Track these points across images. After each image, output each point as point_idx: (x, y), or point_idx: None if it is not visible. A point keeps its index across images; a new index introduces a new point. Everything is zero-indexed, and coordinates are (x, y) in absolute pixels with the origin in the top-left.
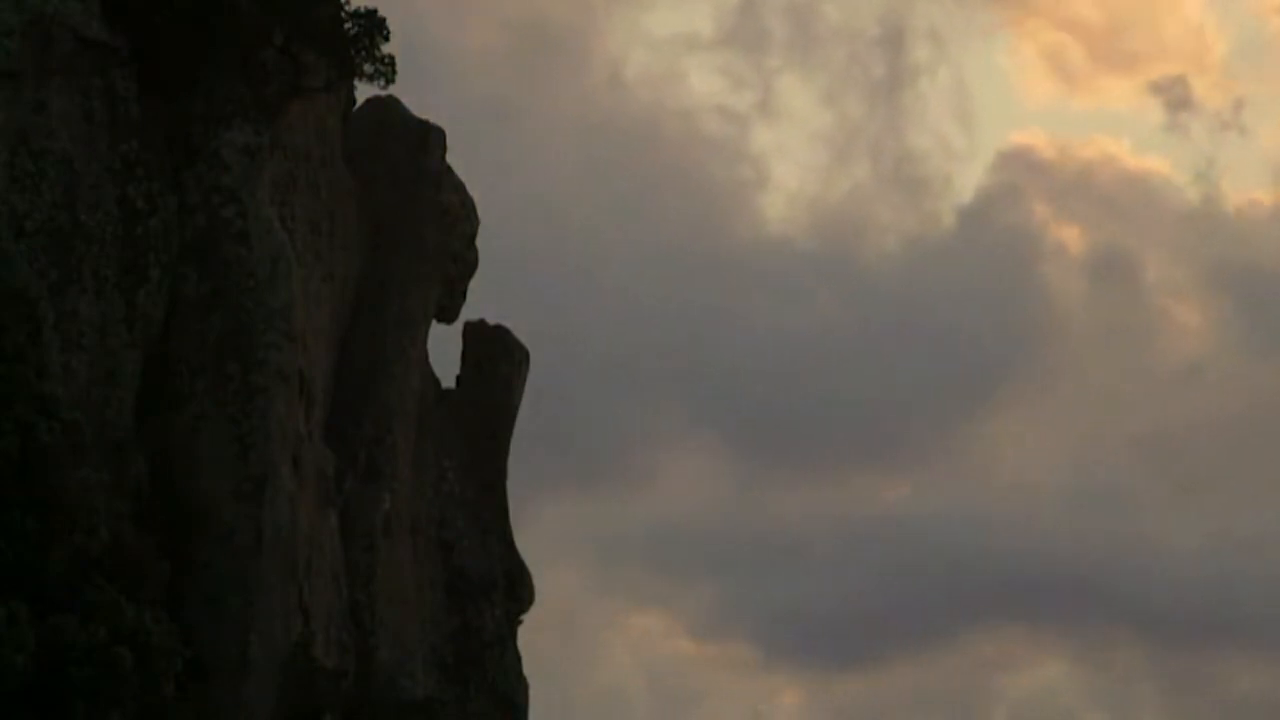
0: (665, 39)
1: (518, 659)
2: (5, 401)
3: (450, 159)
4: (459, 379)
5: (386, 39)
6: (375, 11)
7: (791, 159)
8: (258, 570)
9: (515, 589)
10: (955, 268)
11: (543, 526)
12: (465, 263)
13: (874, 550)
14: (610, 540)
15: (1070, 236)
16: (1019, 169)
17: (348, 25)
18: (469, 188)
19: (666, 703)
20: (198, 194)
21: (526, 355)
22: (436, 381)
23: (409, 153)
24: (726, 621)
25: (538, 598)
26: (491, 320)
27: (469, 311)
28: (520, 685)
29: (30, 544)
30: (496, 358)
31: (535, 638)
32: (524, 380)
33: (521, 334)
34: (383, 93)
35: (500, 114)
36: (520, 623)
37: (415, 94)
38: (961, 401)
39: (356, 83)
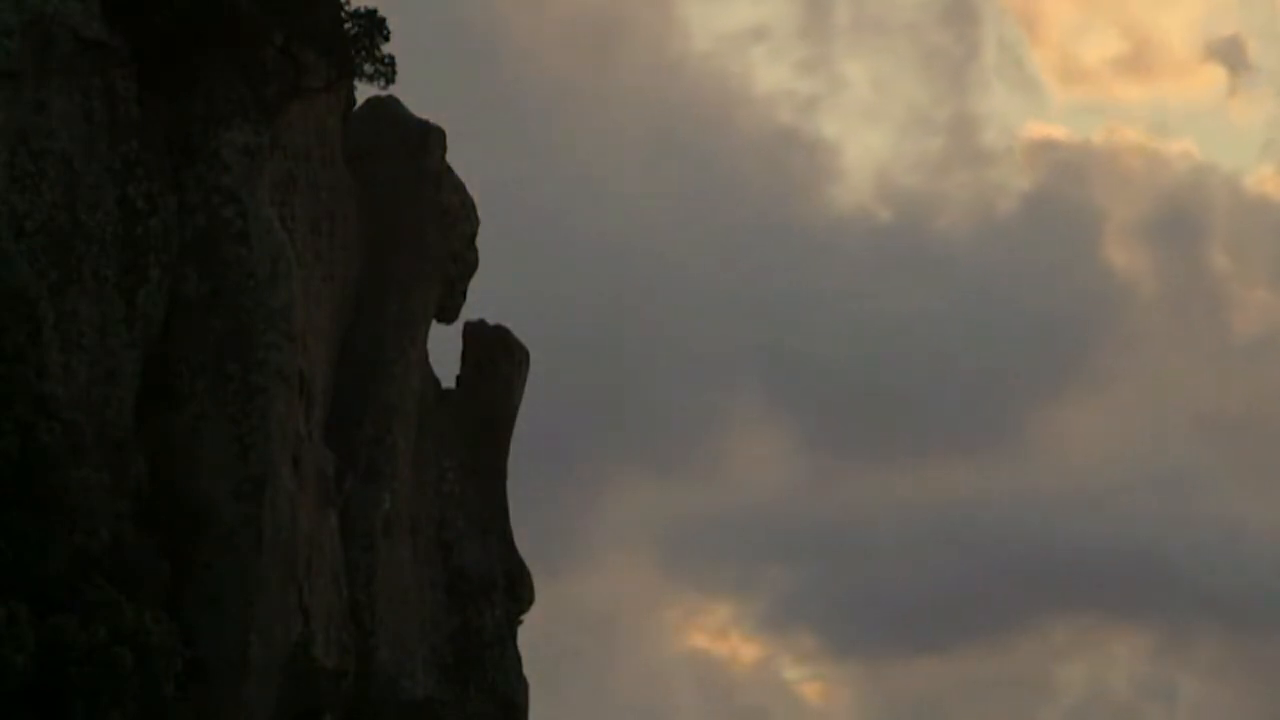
0: (734, 23)
1: (518, 659)
2: (5, 401)
3: (520, 143)
4: (459, 379)
5: (387, 39)
6: (375, 11)
7: (861, 140)
8: (258, 570)
9: (515, 589)
10: (1024, 246)
11: (613, 512)
12: (465, 263)
13: (945, 537)
14: (680, 526)
15: (1134, 213)
16: (1085, 145)
17: (348, 25)
18: (541, 171)
19: (730, 690)
20: (198, 194)
21: (526, 355)
22: (436, 381)
23: (409, 153)
24: (794, 609)
25: (605, 580)
26: (562, 313)
27: (474, 311)
28: (520, 685)
29: (30, 544)
30: (496, 358)
31: (599, 623)
32: (524, 380)
33: (594, 317)
34: (383, 93)
35: (571, 98)
36: (520, 623)
37: (488, 77)
38: (1032, 384)
39: (356, 83)
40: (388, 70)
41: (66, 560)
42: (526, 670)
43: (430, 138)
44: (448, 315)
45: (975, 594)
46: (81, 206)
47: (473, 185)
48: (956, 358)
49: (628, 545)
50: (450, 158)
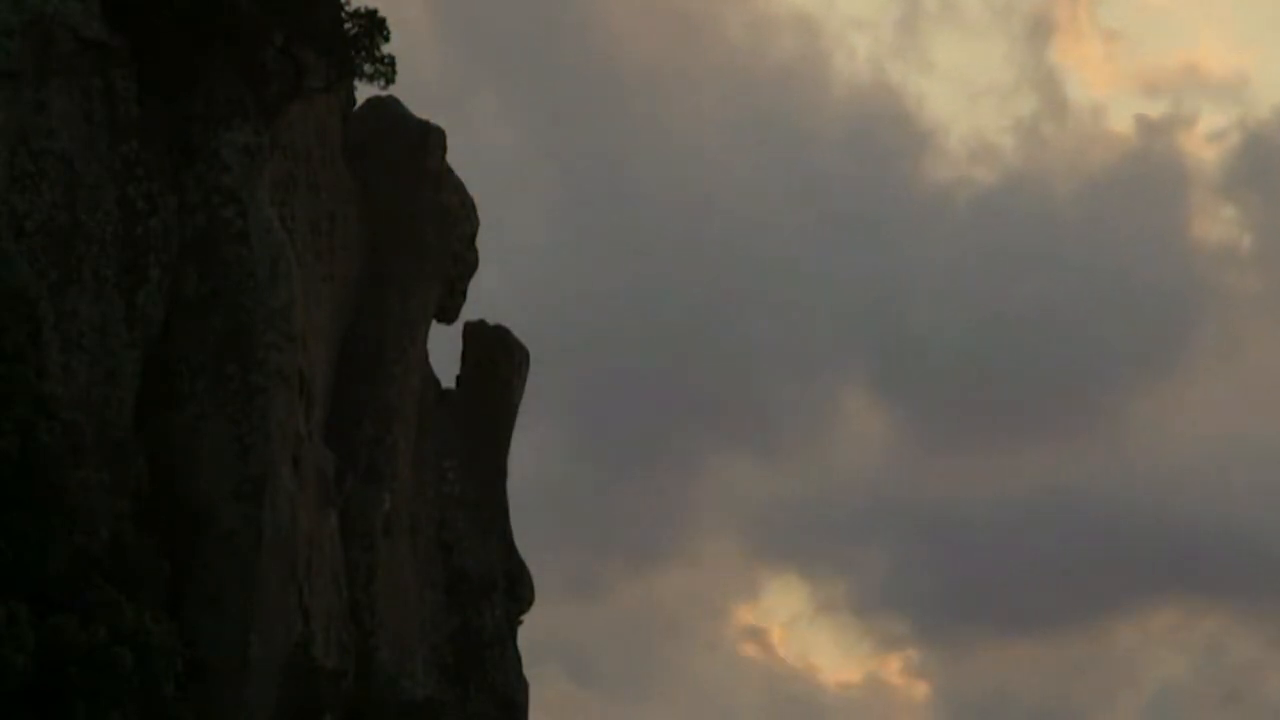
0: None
1: (518, 659)
2: (5, 401)
3: (616, 128)
4: (459, 379)
5: (386, 39)
6: (375, 11)
7: (953, 112)
8: (258, 570)
9: (515, 589)
10: (1125, 214)
11: (714, 492)
12: (465, 263)
13: (1043, 521)
14: (778, 511)
15: (1233, 179)
16: (1182, 107)
17: (348, 25)
18: (637, 155)
19: (824, 670)
20: (198, 194)
21: (526, 355)
22: (436, 381)
23: (409, 153)
24: (892, 591)
25: (704, 560)
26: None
27: (473, 311)
28: (520, 685)
29: (30, 544)
30: (496, 358)
31: (694, 602)
32: (524, 380)
33: (698, 295)
34: (383, 93)
35: (663, 79)
36: (520, 623)
37: (592, 53)
38: (1139, 365)
39: (356, 83)
40: (388, 70)
41: (66, 560)
42: (630, 645)
43: (430, 138)
44: (448, 315)
45: (1072, 577)
46: (81, 206)
47: (568, 168)
48: (1064, 338)
49: (727, 525)
50: (542, 139)
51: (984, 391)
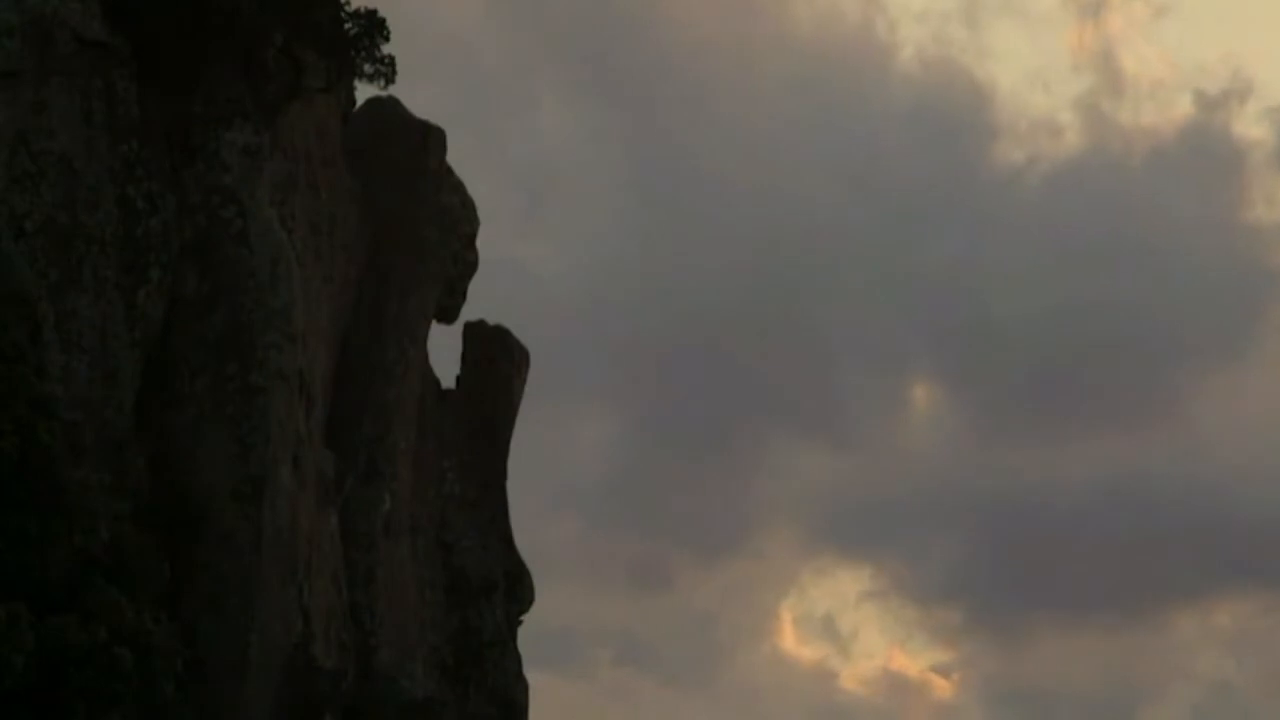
0: None
1: (518, 659)
2: (5, 401)
3: (680, 111)
4: (459, 379)
5: (386, 39)
6: (375, 12)
7: (1014, 88)
8: (258, 570)
9: (515, 589)
10: (1184, 193)
11: (782, 483)
12: (465, 263)
13: (1113, 513)
14: (847, 498)
15: None
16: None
17: (348, 25)
18: (702, 139)
19: (891, 654)
20: (198, 194)
21: (526, 355)
22: (436, 381)
23: (409, 153)
24: (960, 580)
25: (769, 552)
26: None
27: (470, 312)
28: (520, 685)
29: (30, 544)
30: (496, 358)
31: (757, 591)
32: (524, 380)
33: (766, 285)
34: (382, 93)
35: (728, 57)
36: (520, 623)
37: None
38: (1207, 351)
39: (356, 83)
40: (388, 70)
41: (66, 560)
42: (690, 635)
43: (430, 138)
44: (448, 315)
45: (1136, 567)
46: (81, 206)
47: (632, 155)
48: (1137, 322)
49: (793, 521)
50: (607, 129)
51: (1052, 379)
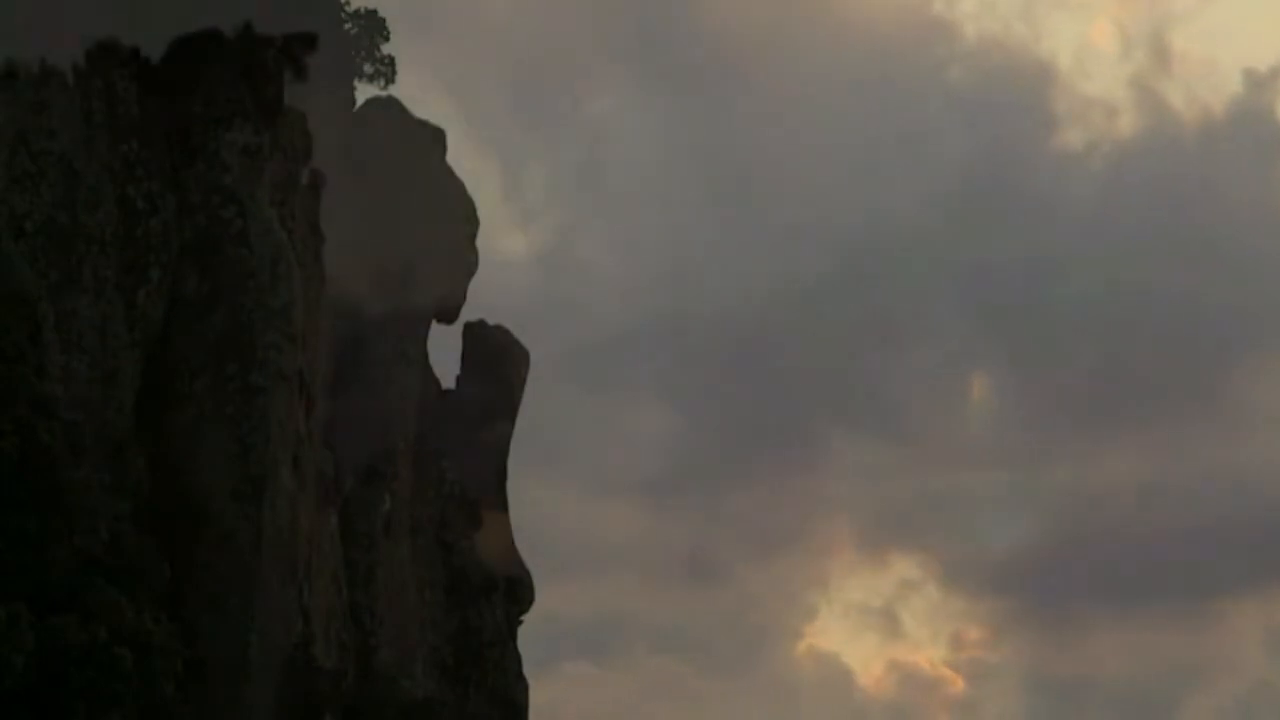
0: None
1: (518, 659)
2: (5, 401)
3: (736, 102)
4: (459, 379)
5: (386, 39)
6: (375, 12)
7: (1076, 76)
8: (258, 570)
9: (515, 589)
10: (1239, 176)
11: (840, 477)
12: (465, 263)
13: (1172, 501)
14: (905, 490)
15: None
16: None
17: (348, 25)
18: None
19: (941, 644)
20: (198, 194)
21: (526, 355)
22: (436, 381)
23: (409, 153)
24: (1012, 573)
25: (824, 545)
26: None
27: (469, 311)
28: (520, 685)
29: (30, 544)
30: (496, 358)
31: (805, 586)
32: (524, 380)
33: (828, 277)
34: (382, 93)
35: (790, 46)
36: (520, 623)
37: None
38: (1275, 338)
39: (356, 83)
40: (388, 70)
41: (66, 560)
42: (741, 627)
43: (430, 138)
44: (448, 315)
45: (1190, 561)
46: (81, 206)
47: (699, 152)
48: (1191, 308)
49: (851, 515)
50: (677, 130)
51: (1108, 369)
